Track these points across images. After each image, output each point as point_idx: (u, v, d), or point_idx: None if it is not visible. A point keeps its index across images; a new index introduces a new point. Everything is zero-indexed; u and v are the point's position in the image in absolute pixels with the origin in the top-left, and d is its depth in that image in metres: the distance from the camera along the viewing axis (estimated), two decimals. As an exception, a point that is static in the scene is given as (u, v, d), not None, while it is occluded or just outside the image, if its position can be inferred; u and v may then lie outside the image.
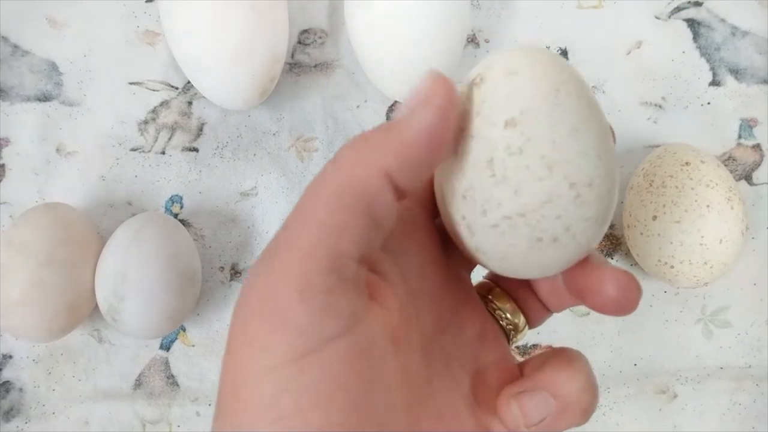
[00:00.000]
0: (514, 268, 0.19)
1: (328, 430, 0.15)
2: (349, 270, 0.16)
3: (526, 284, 0.22)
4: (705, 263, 0.32)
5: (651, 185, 0.33)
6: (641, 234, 0.33)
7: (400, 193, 0.17)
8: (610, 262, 0.19)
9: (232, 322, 0.16)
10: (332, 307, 0.15)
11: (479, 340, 0.21)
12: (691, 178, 0.32)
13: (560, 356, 0.20)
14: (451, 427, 0.18)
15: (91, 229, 0.35)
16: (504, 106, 0.17)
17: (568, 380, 0.19)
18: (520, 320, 0.22)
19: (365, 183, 0.16)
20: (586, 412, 0.19)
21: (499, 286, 0.22)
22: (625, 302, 0.18)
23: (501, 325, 0.22)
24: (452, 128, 0.17)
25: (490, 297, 0.22)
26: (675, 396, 0.35)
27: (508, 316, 0.22)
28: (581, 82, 0.18)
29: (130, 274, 0.32)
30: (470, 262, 0.22)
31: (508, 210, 0.17)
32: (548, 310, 0.22)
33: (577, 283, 0.19)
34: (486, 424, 0.19)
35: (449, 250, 0.21)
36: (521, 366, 0.21)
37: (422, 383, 0.18)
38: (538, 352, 0.36)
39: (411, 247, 0.20)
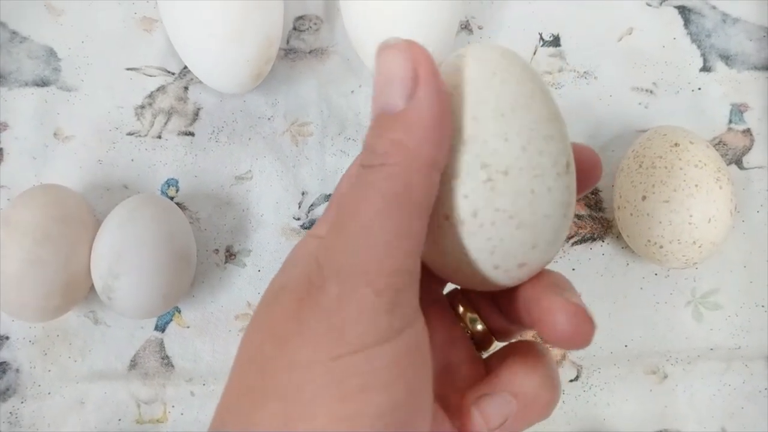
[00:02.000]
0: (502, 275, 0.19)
1: (388, 411, 0.16)
2: (415, 269, 0.17)
3: (489, 298, 0.22)
4: (694, 243, 0.32)
5: (641, 166, 0.33)
6: (631, 215, 0.33)
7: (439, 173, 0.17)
8: (569, 291, 0.19)
9: (275, 315, 0.17)
10: (402, 303, 0.16)
11: (448, 343, 0.21)
12: (680, 159, 0.32)
13: (518, 352, 0.20)
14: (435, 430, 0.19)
15: (87, 209, 0.35)
16: (446, 80, 0.18)
17: (526, 377, 0.19)
18: (477, 326, 0.22)
19: (422, 188, 0.17)
20: (547, 407, 0.19)
21: (464, 295, 0.22)
22: (576, 336, 0.18)
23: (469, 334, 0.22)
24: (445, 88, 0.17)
25: (458, 305, 0.22)
26: (665, 377, 0.35)
27: (477, 326, 0.22)
28: (537, 83, 0.18)
29: (126, 253, 0.32)
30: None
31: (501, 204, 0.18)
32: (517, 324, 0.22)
33: (530, 310, 0.19)
34: (453, 426, 0.19)
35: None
36: (487, 361, 0.21)
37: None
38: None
39: None
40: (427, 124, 0.16)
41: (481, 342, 0.22)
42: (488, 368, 0.21)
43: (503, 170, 0.17)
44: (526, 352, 0.20)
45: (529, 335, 0.32)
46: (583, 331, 0.18)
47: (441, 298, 0.22)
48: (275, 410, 0.16)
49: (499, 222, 0.17)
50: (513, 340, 0.22)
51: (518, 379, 0.19)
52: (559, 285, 0.19)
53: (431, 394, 0.17)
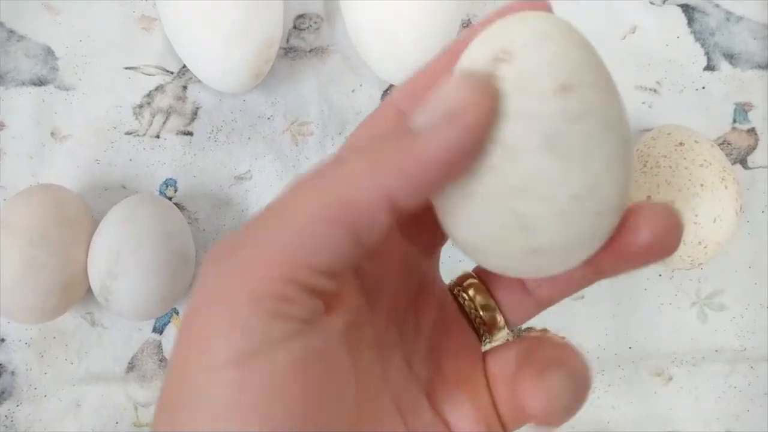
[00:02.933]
0: (579, 257, 0.16)
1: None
2: (313, 283, 0.15)
3: (519, 282, 0.20)
4: (699, 243, 0.32)
5: (645, 166, 0.33)
6: (635, 215, 0.33)
7: (397, 215, 0.15)
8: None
9: (185, 310, 0.16)
10: (283, 313, 0.15)
11: (439, 330, 0.20)
12: (685, 158, 0.32)
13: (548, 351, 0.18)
14: (410, 420, 0.18)
15: (84, 209, 0.35)
16: (550, 72, 0.15)
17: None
18: (498, 318, 0.20)
19: (361, 205, 0.15)
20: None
21: (481, 279, 0.21)
22: (664, 242, 0.16)
23: (470, 319, 0.20)
24: (481, 144, 0.15)
25: (462, 290, 0.21)
26: (670, 378, 0.35)
27: (480, 312, 0.20)
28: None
29: (124, 253, 0.32)
30: (431, 251, 0.21)
31: (576, 187, 0.15)
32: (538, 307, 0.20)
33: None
34: (443, 414, 0.18)
35: (408, 237, 0.20)
36: (485, 355, 0.20)
37: (377, 378, 0.18)
38: (533, 335, 0.36)
39: None
40: (422, 157, 0.14)
41: (487, 325, 0.20)
42: (486, 363, 0.19)
43: (626, 138, 0.16)
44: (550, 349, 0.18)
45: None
46: (671, 237, 0.16)
47: (431, 280, 0.21)
48: (165, 420, 0.15)
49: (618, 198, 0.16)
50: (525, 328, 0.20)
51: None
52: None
53: (343, 405, 0.16)
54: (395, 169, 0.14)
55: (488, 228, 0.16)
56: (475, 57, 0.16)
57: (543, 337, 0.19)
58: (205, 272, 0.15)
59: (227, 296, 0.15)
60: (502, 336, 0.21)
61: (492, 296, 0.20)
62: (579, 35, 0.16)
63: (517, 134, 0.15)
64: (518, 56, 0.15)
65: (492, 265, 0.18)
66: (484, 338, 0.21)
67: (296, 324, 0.15)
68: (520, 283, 0.20)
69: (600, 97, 0.15)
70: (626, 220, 0.16)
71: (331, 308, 0.16)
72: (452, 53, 0.18)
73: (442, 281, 0.21)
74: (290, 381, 0.14)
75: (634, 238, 0.16)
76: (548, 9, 0.17)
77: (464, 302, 0.21)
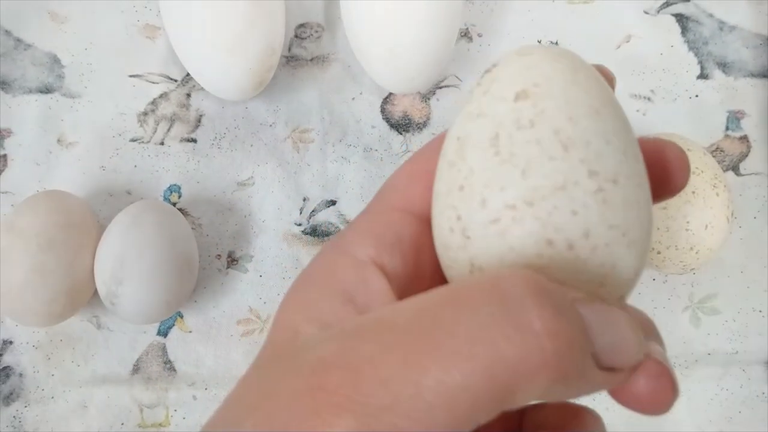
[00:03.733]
0: None
1: None
2: None
3: None
4: (691, 249, 0.32)
5: (638, 173, 0.34)
6: (629, 221, 0.34)
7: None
8: (655, 338, 0.16)
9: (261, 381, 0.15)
10: None
11: None
12: (678, 166, 0.33)
13: (575, 422, 0.18)
14: None
15: (90, 215, 0.35)
16: (515, 80, 0.15)
17: None
18: None
19: (521, 392, 0.13)
20: None
21: None
22: (655, 403, 0.15)
23: None
24: None
25: None
26: (663, 381, 0.36)
27: None
28: (603, 80, 0.16)
29: (129, 259, 0.32)
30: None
31: (512, 196, 0.14)
32: None
33: None
34: None
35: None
36: (521, 415, 0.19)
37: None
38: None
39: None
40: (587, 388, 0.14)
41: None
42: (523, 425, 0.19)
43: (612, 178, 0.14)
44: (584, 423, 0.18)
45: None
46: (663, 399, 0.15)
47: None
48: None
49: (613, 242, 0.14)
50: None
51: None
52: (644, 327, 0.16)
53: None
54: (571, 385, 0.14)
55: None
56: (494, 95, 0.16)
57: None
58: (335, 405, 0.13)
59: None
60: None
61: None
62: (572, 59, 0.16)
63: (475, 131, 0.15)
64: (499, 66, 0.16)
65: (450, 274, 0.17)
66: None
67: None
68: None
69: (559, 108, 0.15)
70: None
71: None
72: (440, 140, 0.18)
73: None
74: None
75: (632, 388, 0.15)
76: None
77: None
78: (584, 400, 0.16)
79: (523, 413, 0.19)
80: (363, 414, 0.13)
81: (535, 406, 0.19)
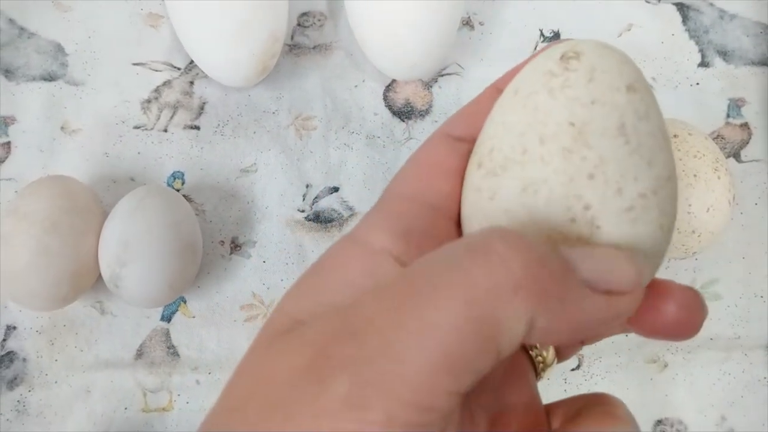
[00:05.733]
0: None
1: None
2: (453, 407, 0.14)
3: None
4: (693, 232, 0.33)
5: (640, 157, 0.34)
6: (631, 205, 0.34)
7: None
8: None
9: (277, 363, 0.15)
10: None
11: (505, 378, 0.19)
12: (679, 150, 0.33)
13: (598, 408, 0.18)
14: None
15: (94, 199, 0.36)
16: (621, 72, 0.16)
17: None
18: (549, 352, 0.20)
19: (509, 323, 0.13)
20: None
21: None
22: (688, 324, 0.16)
23: (530, 357, 0.20)
24: None
25: None
26: (666, 365, 0.36)
27: (538, 347, 0.20)
28: None
29: (133, 242, 0.32)
30: None
31: (643, 186, 0.15)
32: (581, 342, 0.21)
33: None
34: None
35: None
36: (548, 409, 0.19)
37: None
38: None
39: None
40: (583, 317, 0.14)
41: (543, 362, 0.20)
42: (551, 421, 0.19)
43: (667, 175, 0.16)
44: (609, 412, 0.18)
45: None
46: (695, 321, 0.16)
47: None
48: None
49: (659, 234, 0.16)
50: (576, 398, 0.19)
51: None
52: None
53: None
54: (555, 309, 0.14)
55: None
56: (537, 65, 0.16)
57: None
58: (333, 366, 0.14)
59: (360, 412, 0.13)
60: (551, 370, 0.21)
61: None
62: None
63: (596, 117, 0.15)
64: (587, 55, 0.16)
65: None
66: (539, 374, 0.21)
67: None
68: None
69: (655, 109, 0.16)
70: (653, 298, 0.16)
71: None
72: (496, 89, 0.19)
73: None
74: None
75: (662, 315, 0.16)
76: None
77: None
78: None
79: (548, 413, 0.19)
80: (359, 365, 0.13)
81: (557, 404, 0.19)
